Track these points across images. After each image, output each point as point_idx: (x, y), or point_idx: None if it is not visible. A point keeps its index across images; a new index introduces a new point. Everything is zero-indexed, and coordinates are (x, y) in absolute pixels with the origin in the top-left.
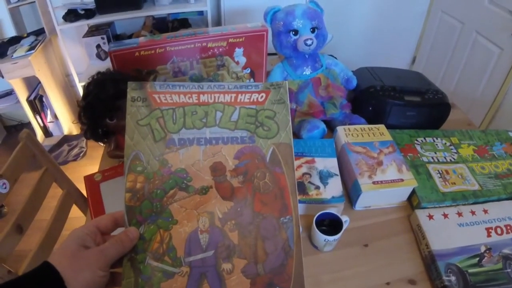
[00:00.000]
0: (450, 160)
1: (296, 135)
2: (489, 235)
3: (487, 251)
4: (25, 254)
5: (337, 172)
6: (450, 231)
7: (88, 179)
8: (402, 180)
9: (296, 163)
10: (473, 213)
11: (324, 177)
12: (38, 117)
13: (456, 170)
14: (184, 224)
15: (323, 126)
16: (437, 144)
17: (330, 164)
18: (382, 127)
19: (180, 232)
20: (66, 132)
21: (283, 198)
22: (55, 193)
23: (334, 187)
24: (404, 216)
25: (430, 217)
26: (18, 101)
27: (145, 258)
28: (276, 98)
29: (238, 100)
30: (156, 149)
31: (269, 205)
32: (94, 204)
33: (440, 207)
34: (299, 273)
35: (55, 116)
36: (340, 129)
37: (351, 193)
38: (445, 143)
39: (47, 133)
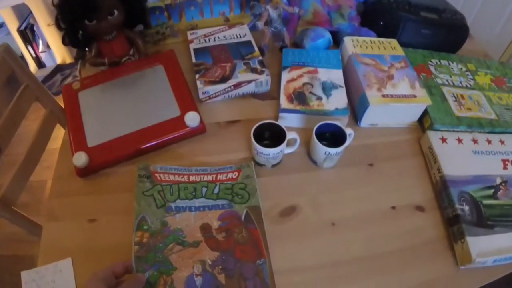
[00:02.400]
0: (466, 85)
1: (298, 45)
2: (505, 167)
3: (503, 184)
4: (3, 171)
5: (342, 84)
6: (464, 158)
7: (66, 89)
8: (414, 96)
9: (296, 72)
10: (489, 142)
11: (328, 88)
12: (30, 47)
13: (472, 97)
14: (182, 270)
15: (328, 35)
16: (452, 68)
17: (334, 75)
18: (394, 41)
19: (179, 276)
20: (59, 61)
21: (257, 246)
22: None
23: (338, 99)
24: (414, 138)
25: (443, 140)
26: (9, 33)
27: None
28: (246, 174)
29: (218, 179)
30: (158, 213)
31: (247, 253)
32: (71, 115)
33: (454, 131)
34: None
35: (47, 46)
36: (347, 40)
37: (357, 108)
38: (461, 68)
39: (40, 64)
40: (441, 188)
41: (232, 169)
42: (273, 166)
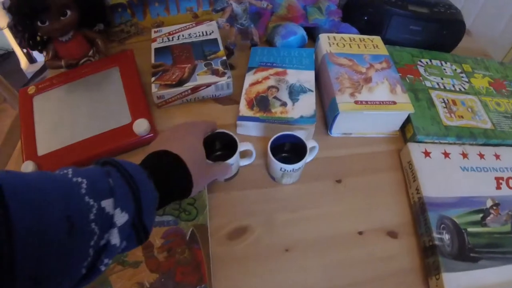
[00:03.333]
0: (460, 89)
1: (270, 43)
2: (498, 187)
3: (494, 207)
4: None
5: (313, 88)
6: (450, 175)
7: (22, 93)
8: (394, 102)
9: (262, 74)
10: (481, 156)
11: (295, 92)
12: None
13: (466, 102)
14: None
15: (302, 32)
16: (445, 69)
17: (305, 77)
18: (377, 38)
19: None
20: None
21: (199, 270)
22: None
23: (306, 105)
24: (394, 149)
25: (427, 153)
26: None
27: None
28: None
29: None
30: None
31: (188, 275)
32: (24, 122)
33: (440, 143)
34: None
35: None
36: (323, 37)
37: (327, 115)
38: (455, 69)
39: (31, 59)
40: (419, 211)
41: None
42: (226, 180)
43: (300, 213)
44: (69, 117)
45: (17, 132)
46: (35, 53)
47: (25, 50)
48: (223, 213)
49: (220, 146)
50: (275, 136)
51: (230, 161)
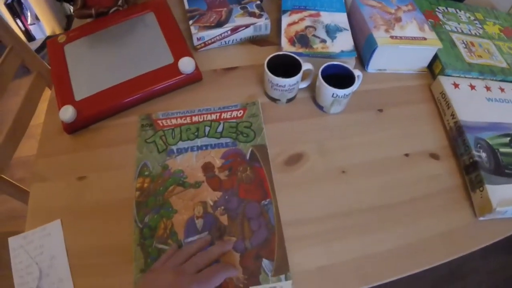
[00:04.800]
0: (476, 34)
1: None
2: None
3: None
4: None
5: (347, 27)
6: (478, 104)
7: (51, 43)
8: (424, 38)
9: (297, 16)
10: (502, 90)
11: (332, 31)
12: (18, 20)
13: (482, 45)
14: (182, 213)
15: None
16: (460, 16)
17: (338, 19)
18: None
19: (179, 219)
20: (49, 33)
21: (263, 186)
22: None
23: (344, 41)
24: (424, 84)
25: (456, 85)
26: None
27: (152, 242)
28: (252, 113)
29: (222, 117)
30: (160, 158)
31: (251, 192)
32: (56, 69)
33: (466, 77)
34: (282, 245)
35: (36, 17)
36: None
37: (363, 52)
38: (469, 17)
39: (29, 37)
40: (456, 134)
41: (237, 107)
42: (288, 101)
43: (350, 140)
44: (105, 62)
45: (29, 110)
46: (34, 30)
47: (23, 28)
48: (277, 142)
49: (281, 70)
50: (325, 65)
51: (294, 79)
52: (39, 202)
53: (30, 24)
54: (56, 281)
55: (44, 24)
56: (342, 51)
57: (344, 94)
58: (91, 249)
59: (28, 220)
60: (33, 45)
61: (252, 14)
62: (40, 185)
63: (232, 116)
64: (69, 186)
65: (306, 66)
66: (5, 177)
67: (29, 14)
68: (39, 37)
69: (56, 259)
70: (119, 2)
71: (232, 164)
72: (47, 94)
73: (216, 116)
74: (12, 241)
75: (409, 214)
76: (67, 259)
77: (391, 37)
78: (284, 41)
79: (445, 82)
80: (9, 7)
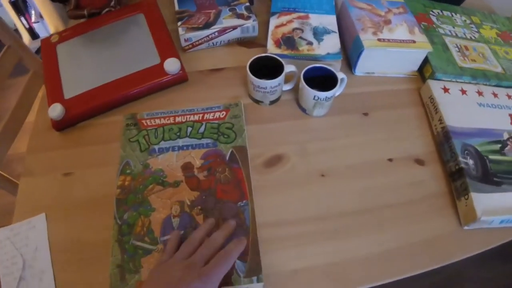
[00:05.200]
0: (471, 37)
1: None
2: None
3: (511, 140)
4: None
5: (335, 30)
6: (469, 109)
7: (44, 42)
8: (414, 41)
9: (286, 18)
10: (495, 95)
11: (319, 33)
12: (22, 18)
13: (477, 49)
14: (160, 211)
15: None
16: (455, 20)
17: (327, 21)
18: None
19: (157, 218)
20: (52, 31)
21: (240, 187)
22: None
23: (331, 44)
24: (413, 88)
25: (446, 90)
26: (1, 5)
27: (130, 239)
28: (234, 114)
29: (205, 118)
30: (141, 157)
31: (229, 193)
32: (48, 68)
33: (457, 81)
34: (255, 247)
35: (40, 15)
36: None
37: (351, 55)
38: (465, 20)
39: (33, 35)
40: (443, 139)
41: (219, 108)
42: (272, 102)
43: (332, 142)
44: (94, 62)
45: (25, 107)
46: (38, 28)
47: (27, 26)
48: (258, 143)
49: (265, 72)
50: (307, 67)
51: (276, 80)
52: (26, 196)
53: (34, 22)
54: (38, 273)
55: (47, 22)
56: (328, 53)
57: (326, 97)
58: (73, 243)
59: (15, 213)
60: (37, 43)
61: (240, 16)
62: (29, 179)
63: (215, 117)
64: (55, 182)
65: (288, 68)
66: (3, 173)
67: (33, 12)
68: (43, 35)
69: (39, 252)
70: (112, 3)
71: (212, 164)
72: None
73: (199, 117)
74: None
75: (389, 220)
76: (49, 251)
77: (379, 39)
78: (270, 43)
79: (435, 86)
80: (14, 4)
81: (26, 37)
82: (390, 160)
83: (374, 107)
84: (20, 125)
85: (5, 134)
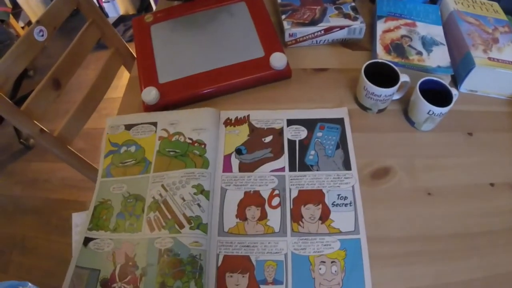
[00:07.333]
0: None
1: None
2: None
3: None
4: (62, 114)
5: (444, 42)
6: None
7: (137, 21)
8: None
9: (393, 23)
10: None
11: (428, 43)
12: None
13: None
14: None
15: None
16: None
17: (434, 31)
18: (495, 4)
19: None
20: (122, 12)
21: None
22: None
23: (440, 56)
24: None
25: None
26: None
27: None
28: None
29: None
30: None
31: None
32: (141, 49)
33: None
34: None
35: None
36: None
37: (458, 70)
38: None
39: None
40: None
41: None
42: (379, 111)
43: (437, 161)
44: (191, 48)
45: (104, 84)
46: (108, 8)
47: (97, 5)
48: (365, 152)
49: (374, 78)
50: (423, 80)
51: (392, 89)
52: None
53: (105, 2)
54: None
55: (118, 2)
56: (438, 66)
57: (441, 113)
58: None
59: None
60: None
61: (347, 16)
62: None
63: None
64: None
65: (404, 77)
66: (70, 148)
67: None
68: (112, 15)
69: None
70: None
71: None
72: (121, 71)
73: None
74: (76, 217)
75: (487, 246)
76: None
77: (489, 58)
78: (379, 48)
79: None
80: None
81: None
82: (491, 184)
83: (478, 128)
84: (97, 104)
85: (82, 111)
